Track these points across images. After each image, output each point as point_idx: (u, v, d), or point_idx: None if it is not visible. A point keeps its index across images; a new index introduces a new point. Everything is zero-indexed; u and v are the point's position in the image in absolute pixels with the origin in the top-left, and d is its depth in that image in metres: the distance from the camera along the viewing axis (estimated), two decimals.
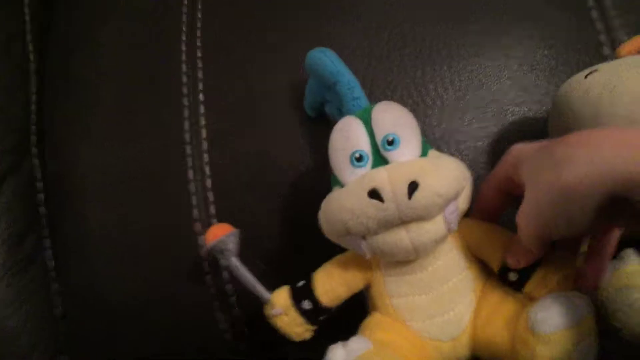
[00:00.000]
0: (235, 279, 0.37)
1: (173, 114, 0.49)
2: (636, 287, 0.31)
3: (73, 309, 0.51)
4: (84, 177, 0.50)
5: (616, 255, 0.33)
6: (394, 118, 0.33)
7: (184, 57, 0.50)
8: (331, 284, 0.35)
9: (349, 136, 0.33)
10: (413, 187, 0.29)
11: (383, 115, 0.33)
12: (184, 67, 0.50)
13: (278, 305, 0.35)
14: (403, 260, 0.33)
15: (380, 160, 0.32)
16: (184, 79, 0.49)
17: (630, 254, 0.33)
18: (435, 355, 0.33)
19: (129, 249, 0.48)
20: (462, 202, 0.33)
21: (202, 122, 0.48)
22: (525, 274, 0.32)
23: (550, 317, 0.28)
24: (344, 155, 0.32)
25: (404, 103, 0.45)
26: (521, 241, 0.31)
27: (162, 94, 0.50)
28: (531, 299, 0.31)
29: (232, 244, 0.36)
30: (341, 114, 0.38)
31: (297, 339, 0.35)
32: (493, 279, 0.34)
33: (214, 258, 0.38)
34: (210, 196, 0.47)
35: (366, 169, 0.32)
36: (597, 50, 0.44)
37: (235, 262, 0.36)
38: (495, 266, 0.33)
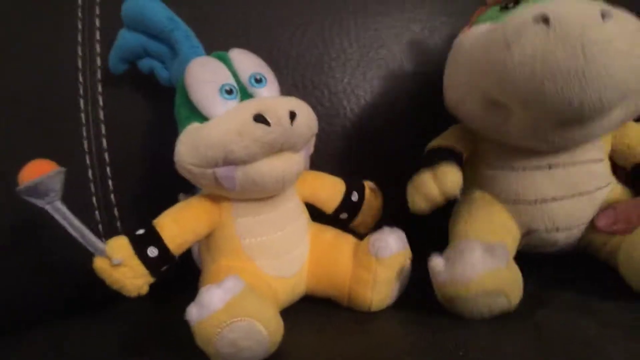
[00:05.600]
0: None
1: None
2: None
3: None
4: None
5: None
6: (256, 61, 0.36)
7: None
8: (178, 230, 0.33)
9: (216, 71, 0.34)
10: (292, 115, 0.31)
11: (244, 57, 0.36)
12: None
13: (118, 254, 0.31)
14: (258, 200, 0.35)
15: (247, 96, 0.34)
16: None
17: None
18: (281, 291, 0.36)
19: None
20: (311, 146, 0.36)
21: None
22: (352, 214, 0.41)
23: (388, 245, 0.35)
24: (214, 87, 0.33)
25: (309, 53, 0.46)
26: None
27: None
28: (356, 233, 0.40)
29: (58, 185, 0.31)
30: (165, 67, 0.39)
31: (134, 293, 0.32)
32: (313, 225, 0.39)
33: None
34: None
35: (236, 101, 0.33)
36: None
37: (61, 206, 0.31)
38: (329, 209, 0.40)
